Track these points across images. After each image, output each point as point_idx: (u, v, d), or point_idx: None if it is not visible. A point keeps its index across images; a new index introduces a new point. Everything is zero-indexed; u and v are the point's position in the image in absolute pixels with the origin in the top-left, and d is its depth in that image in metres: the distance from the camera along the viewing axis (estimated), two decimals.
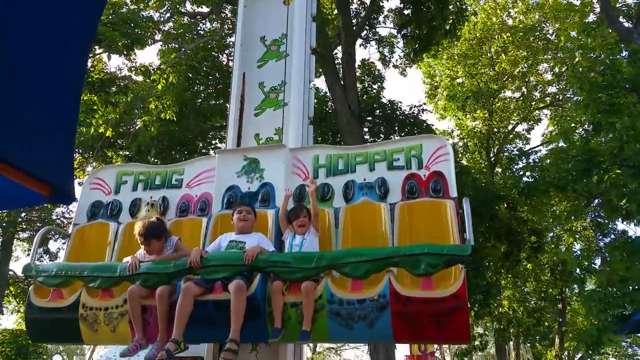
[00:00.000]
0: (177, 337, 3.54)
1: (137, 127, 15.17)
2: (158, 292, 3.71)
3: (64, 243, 27.39)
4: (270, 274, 3.71)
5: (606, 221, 18.58)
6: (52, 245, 27.20)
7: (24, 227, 24.93)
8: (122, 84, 14.43)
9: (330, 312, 3.51)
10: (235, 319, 3.49)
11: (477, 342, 22.95)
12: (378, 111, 15.28)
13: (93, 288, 3.98)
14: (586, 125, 14.15)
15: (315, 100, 9.26)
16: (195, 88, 16.65)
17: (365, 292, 3.50)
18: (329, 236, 4.20)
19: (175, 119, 14.10)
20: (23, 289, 24.83)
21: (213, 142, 17.60)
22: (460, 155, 20.22)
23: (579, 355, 34.60)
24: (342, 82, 13.75)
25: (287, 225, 4.20)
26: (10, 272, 24.60)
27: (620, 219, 13.94)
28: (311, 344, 41.31)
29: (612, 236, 19.22)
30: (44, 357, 23.68)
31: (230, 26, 16.26)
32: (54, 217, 25.64)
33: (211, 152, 16.06)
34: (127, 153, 15.56)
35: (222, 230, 4.31)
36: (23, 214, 24.14)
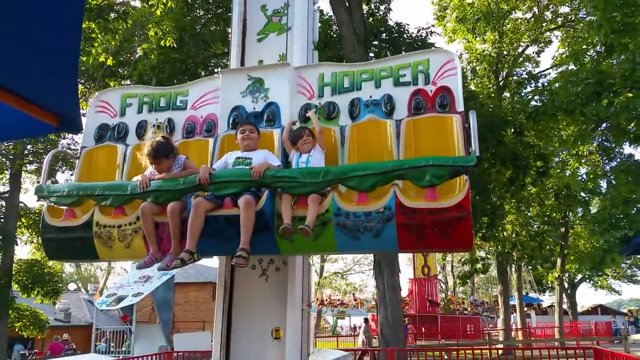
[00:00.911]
0: (190, 248, 3.69)
1: (137, 56, 14.90)
2: (169, 209, 3.81)
3: (71, 175, 27.69)
4: (277, 190, 3.78)
5: (613, 145, 18.51)
6: (60, 177, 27.44)
7: (31, 159, 25.13)
8: (120, 10, 14.01)
9: (337, 224, 3.61)
10: (245, 231, 3.61)
11: (479, 265, 23.62)
12: (384, 34, 14.85)
13: (105, 206, 4.07)
14: (598, 47, 13.75)
15: (319, 24, 8.98)
16: (195, 13, 16.18)
17: (371, 204, 3.57)
18: (335, 154, 4.23)
19: (175, 45, 13.80)
20: (34, 220, 25.40)
21: (215, 70, 17.34)
22: (468, 80, 19.84)
23: (579, 277, 35.76)
24: (347, 4, 13.28)
25: (292, 147, 4.25)
26: (21, 204, 25.06)
27: (627, 143, 13.87)
28: (318, 269, 42.61)
29: (619, 160, 19.24)
30: (60, 285, 24.55)
31: None
32: (60, 149, 25.78)
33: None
34: (129, 82, 15.38)
35: (228, 150, 4.36)
36: (29, 146, 24.26)
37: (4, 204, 24.67)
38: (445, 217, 3.41)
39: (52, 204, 4.27)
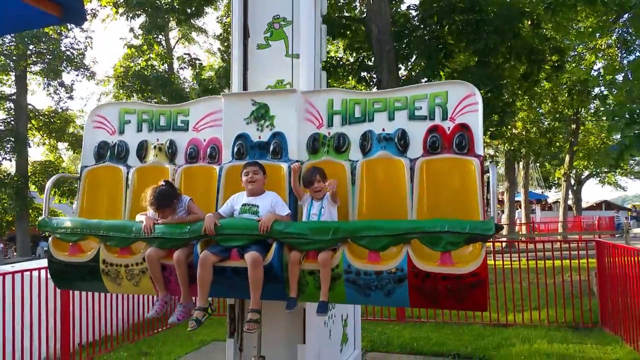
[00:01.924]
0: (202, 304, 3.67)
1: None
2: (175, 258, 3.75)
3: (77, 75, 27.36)
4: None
5: (634, 37, 17.79)
6: (66, 78, 27.15)
7: (35, 59, 24.76)
8: None
9: (347, 281, 3.54)
10: (254, 290, 3.56)
11: (487, 163, 23.67)
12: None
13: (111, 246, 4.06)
14: None
15: None
16: None
17: (382, 264, 3.46)
18: (345, 192, 4.01)
19: None
20: (45, 122, 25.56)
21: None
22: None
23: (586, 173, 36.06)
24: None
25: (303, 192, 4.01)
26: (30, 106, 25.08)
27: None
28: None
29: (637, 54, 18.60)
30: (75, 185, 25.17)
31: None
32: (63, 49, 25.31)
33: None
34: None
35: (234, 182, 4.13)
36: (32, 47, 23.80)
37: (12, 106, 24.70)
38: (460, 284, 3.31)
39: (57, 238, 4.24)
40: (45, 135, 25.96)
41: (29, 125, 24.71)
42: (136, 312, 8.00)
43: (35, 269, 6.49)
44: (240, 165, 4.13)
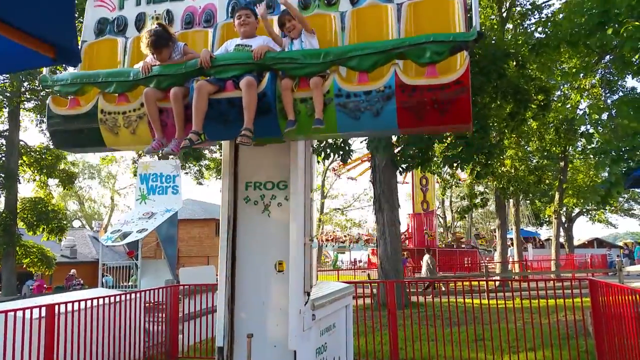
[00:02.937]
0: (197, 129, 3.74)
1: None
2: (172, 94, 3.84)
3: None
4: (279, 72, 3.80)
5: (616, 78, 18.23)
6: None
7: (28, 96, 24.83)
8: None
9: (338, 105, 3.66)
10: (248, 111, 3.66)
11: (477, 200, 23.88)
12: None
13: (109, 93, 4.12)
14: None
15: None
16: None
17: (371, 84, 3.60)
18: (335, 41, 4.19)
19: None
20: (36, 158, 25.44)
21: None
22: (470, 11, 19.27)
23: (576, 211, 36.25)
24: None
25: (282, 38, 4.19)
26: (22, 142, 25.01)
27: (630, 75, 13.65)
28: (319, 206, 43.13)
29: (621, 93, 19.03)
30: (64, 222, 24.88)
31: None
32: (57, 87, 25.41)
33: None
34: None
35: (228, 39, 4.34)
36: (26, 84, 23.90)
37: (4, 143, 24.60)
38: (444, 93, 3.45)
39: (57, 92, 4.29)
40: (35, 171, 25.79)
41: (19, 162, 24.58)
42: (121, 353, 7.80)
43: (19, 309, 6.35)
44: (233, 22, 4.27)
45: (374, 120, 3.61)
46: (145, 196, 17.02)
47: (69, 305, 6.71)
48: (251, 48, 3.93)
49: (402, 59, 3.58)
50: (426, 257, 19.38)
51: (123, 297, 7.85)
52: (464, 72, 3.45)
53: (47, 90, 24.76)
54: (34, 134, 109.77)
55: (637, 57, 10.83)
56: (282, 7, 4.18)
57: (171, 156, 4.21)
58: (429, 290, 16.43)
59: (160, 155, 4.54)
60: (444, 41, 3.42)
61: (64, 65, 4.09)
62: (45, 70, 4.50)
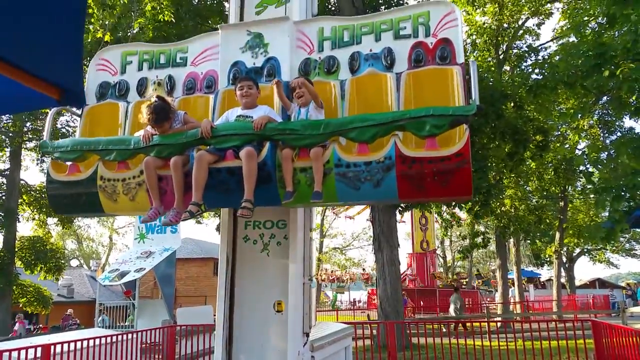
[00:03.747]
0: (197, 200, 3.76)
1: (134, 32, 14.73)
2: (172, 162, 3.86)
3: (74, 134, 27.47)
4: (279, 142, 3.83)
5: (613, 118, 18.44)
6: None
7: (30, 136, 25.04)
8: None
9: (338, 175, 3.66)
10: (248, 182, 3.67)
11: (479, 240, 23.73)
12: (383, 7, 14.67)
13: (109, 161, 4.13)
14: (599, 19, 13.59)
15: None
16: None
17: (371, 154, 3.62)
18: (335, 109, 4.25)
19: (172, 20, 13.63)
20: (36, 197, 25.45)
21: None
22: (468, 54, 19.65)
23: (577, 251, 36.00)
24: None
25: (290, 102, 4.25)
26: (22, 182, 25.07)
27: (628, 116, 13.82)
28: (317, 245, 42.87)
29: (619, 134, 19.21)
30: (62, 261, 24.69)
31: None
32: (59, 126, 25.68)
33: None
34: None
35: (229, 106, 4.38)
36: (28, 124, 24.15)
37: (4, 181, 24.67)
38: (445, 165, 3.46)
39: (57, 159, 4.31)
40: (35, 210, 25.75)
41: (19, 201, 24.58)
42: None
43: (15, 349, 6.23)
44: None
45: (374, 191, 3.61)
46: (144, 235, 16.94)
47: (65, 346, 6.60)
48: (252, 119, 3.97)
49: (401, 130, 3.61)
50: (453, 297, 19.11)
51: (119, 337, 7.72)
52: (464, 145, 3.47)
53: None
54: (34, 172, 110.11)
55: (634, 97, 10.98)
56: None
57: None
58: (460, 330, 15.89)
59: (161, 223, 4.55)
60: (443, 115, 3.44)
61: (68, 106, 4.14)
62: (49, 112, 4.57)
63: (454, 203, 13.89)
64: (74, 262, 50.12)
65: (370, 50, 4.33)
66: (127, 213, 4.48)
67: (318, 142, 3.71)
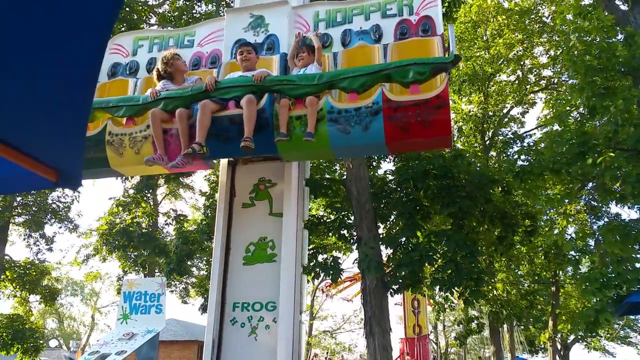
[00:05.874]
0: (200, 140, 4.02)
1: None
2: (178, 113, 4.14)
3: (60, 227, 27.31)
4: (276, 94, 4.16)
5: (600, 204, 18.72)
6: (48, 229, 26.99)
7: (20, 211, 24.87)
8: None
9: (330, 120, 4.00)
10: (248, 123, 3.97)
11: (474, 325, 23.15)
12: None
13: (118, 117, 4.41)
14: (581, 109, 14.18)
15: None
16: None
17: (360, 101, 3.98)
18: None
19: None
20: (19, 273, 24.88)
21: None
22: (455, 139, 20.23)
23: (571, 338, 35.14)
24: None
25: (293, 65, 4.61)
26: (7, 257, 24.59)
27: (614, 202, 14.05)
28: (307, 328, 41.63)
29: (606, 219, 19.41)
30: (40, 341, 23.76)
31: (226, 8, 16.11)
32: (49, 202, 25.60)
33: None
34: None
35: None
36: (19, 198, 24.07)
37: None
38: (427, 107, 3.82)
39: None
40: (17, 287, 25.07)
41: (2, 277, 23.98)
42: None
43: None
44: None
45: (363, 134, 3.93)
46: (127, 315, 16.39)
47: None
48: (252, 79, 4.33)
49: (388, 80, 3.96)
50: None
51: None
52: (443, 89, 3.89)
53: (40, 205, 24.67)
54: (20, 247, 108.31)
55: (618, 184, 11.24)
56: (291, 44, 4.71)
57: (178, 168, 4.29)
58: None
59: (169, 167, 4.51)
60: (425, 63, 3.86)
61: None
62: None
63: (445, 287, 13.71)
64: (53, 343, 48.01)
65: (360, 28, 4.78)
66: (130, 167, 4.53)
67: (313, 92, 4.05)
